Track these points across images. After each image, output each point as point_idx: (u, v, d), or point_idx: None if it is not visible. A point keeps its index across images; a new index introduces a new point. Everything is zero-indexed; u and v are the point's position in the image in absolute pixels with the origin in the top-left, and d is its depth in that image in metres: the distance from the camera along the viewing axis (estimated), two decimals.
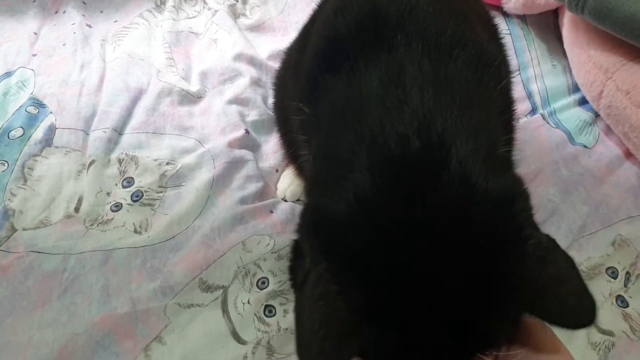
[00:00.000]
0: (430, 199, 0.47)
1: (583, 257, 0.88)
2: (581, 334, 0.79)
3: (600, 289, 0.84)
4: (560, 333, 0.78)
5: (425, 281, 0.46)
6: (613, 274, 0.86)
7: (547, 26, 1.26)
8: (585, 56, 1.07)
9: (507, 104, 0.68)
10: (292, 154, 0.90)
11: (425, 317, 0.47)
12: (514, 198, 0.49)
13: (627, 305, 0.83)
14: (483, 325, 0.47)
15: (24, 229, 0.89)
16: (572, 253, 0.87)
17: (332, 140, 0.55)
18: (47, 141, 1.01)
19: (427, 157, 0.48)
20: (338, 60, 0.58)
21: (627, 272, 0.86)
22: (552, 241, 0.49)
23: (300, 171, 0.90)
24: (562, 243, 0.88)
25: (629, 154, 1.04)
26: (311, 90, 0.61)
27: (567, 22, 1.15)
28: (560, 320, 0.48)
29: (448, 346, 0.48)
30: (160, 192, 0.95)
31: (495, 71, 0.60)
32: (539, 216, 0.91)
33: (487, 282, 0.46)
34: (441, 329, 0.47)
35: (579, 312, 0.47)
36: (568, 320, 0.48)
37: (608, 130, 1.08)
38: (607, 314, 0.82)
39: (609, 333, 0.80)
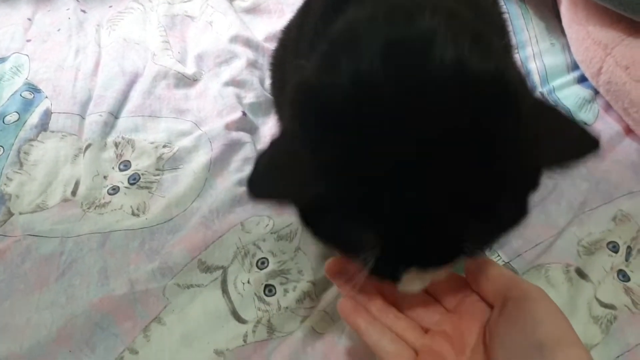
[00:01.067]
0: (420, 67, 0.44)
1: (584, 232, 0.87)
2: (583, 307, 0.79)
3: (602, 264, 0.84)
4: (561, 307, 0.78)
5: (409, 142, 0.44)
6: (614, 248, 0.86)
7: (545, 4, 1.24)
8: (584, 32, 1.06)
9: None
10: None
11: (407, 180, 0.44)
12: (506, 68, 0.47)
13: (628, 279, 0.83)
14: (479, 190, 0.45)
15: (20, 213, 0.89)
16: (573, 229, 0.87)
17: (329, 39, 0.52)
18: (43, 126, 1.00)
19: (420, 32, 0.45)
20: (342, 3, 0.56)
21: (629, 247, 0.86)
22: (548, 104, 0.50)
23: None
24: (563, 219, 0.89)
25: (629, 130, 1.03)
26: (314, 40, 0.58)
27: None
28: (566, 156, 0.47)
29: (435, 211, 0.45)
30: (158, 175, 0.94)
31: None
32: (538, 193, 0.92)
33: (480, 143, 0.44)
34: (428, 198, 0.45)
35: (584, 143, 0.47)
36: (574, 154, 0.47)
37: (608, 107, 1.07)
38: (608, 288, 0.81)
39: (611, 307, 0.80)
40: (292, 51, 0.77)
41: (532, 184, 0.51)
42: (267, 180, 0.47)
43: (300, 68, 0.59)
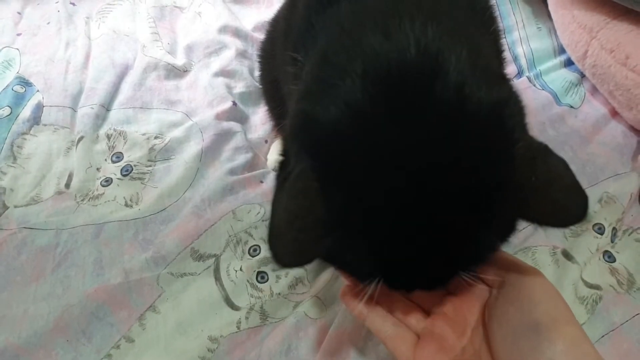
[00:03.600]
0: (422, 104, 0.45)
1: None
2: (569, 288, 0.80)
3: (588, 245, 0.85)
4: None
5: (410, 185, 0.45)
6: (600, 230, 0.87)
7: None
8: (570, 16, 1.07)
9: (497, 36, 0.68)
10: (282, 125, 0.90)
11: (407, 224, 0.47)
12: (506, 103, 0.47)
13: (614, 260, 0.84)
14: (471, 232, 0.47)
15: (15, 207, 0.90)
16: None
17: (326, 55, 0.53)
18: (35, 119, 1.01)
19: (421, 65, 0.46)
20: None
21: (614, 228, 0.87)
22: (544, 145, 0.49)
23: None
24: None
25: (614, 113, 1.04)
26: (306, 33, 0.59)
27: None
28: (552, 220, 0.48)
29: (431, 256, 0.49)
30: (150, 166, 0.95)
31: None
32: None
33: (476, 187, 0.46)
34: (424, 235, 0.47)
35: (570, 209, 0.47)
36: (559, 219, 0.48)
37: (594, 90, 1.08)
38: (594, 269, 0.83)
39: (596, 287, 0.81)
40: (281, 43, 0.78)
41: (512, 227, 0.52)
42: (287, 241, 0.48)
43: (294, 61, 0.60)
